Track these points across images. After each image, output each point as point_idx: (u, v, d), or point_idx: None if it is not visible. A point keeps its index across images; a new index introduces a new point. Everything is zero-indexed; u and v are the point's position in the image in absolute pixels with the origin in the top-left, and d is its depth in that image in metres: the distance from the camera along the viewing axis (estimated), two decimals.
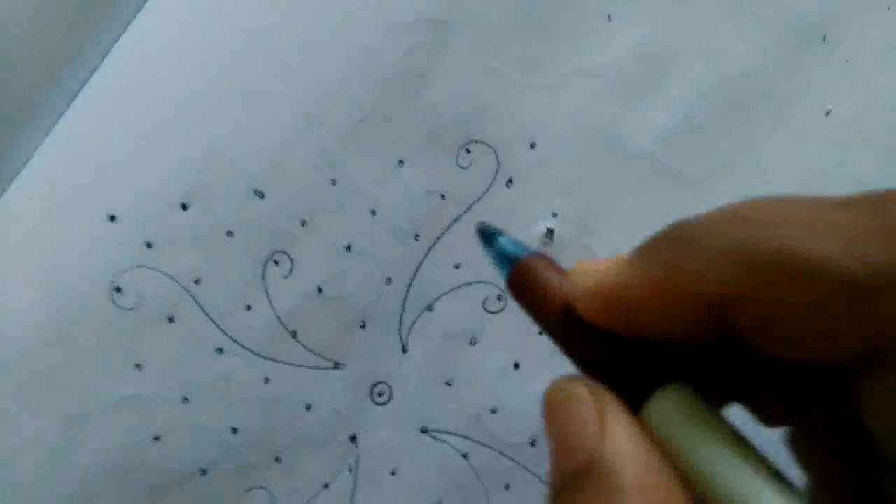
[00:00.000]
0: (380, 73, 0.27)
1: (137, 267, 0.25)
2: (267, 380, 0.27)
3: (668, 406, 0.16)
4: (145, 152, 0.25)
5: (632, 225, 0.30)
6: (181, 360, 0.26)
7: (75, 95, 0.25)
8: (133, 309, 0.25)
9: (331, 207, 0.27)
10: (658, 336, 0.17)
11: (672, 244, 0.17)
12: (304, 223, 0.27)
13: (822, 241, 0.15)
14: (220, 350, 0.27)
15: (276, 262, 0.27)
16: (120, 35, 0.26)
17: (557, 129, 0.29)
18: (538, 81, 0.28)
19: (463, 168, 0.28)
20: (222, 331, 0.27)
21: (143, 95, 0.25)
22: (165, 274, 0.26)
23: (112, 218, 0.25)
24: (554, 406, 0.17)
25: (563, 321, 0.18)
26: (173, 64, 0.25)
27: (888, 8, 0.32)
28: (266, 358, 0.27)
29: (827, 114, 0.32)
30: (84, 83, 0.25)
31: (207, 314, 0.26)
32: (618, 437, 0.16)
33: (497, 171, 0.28)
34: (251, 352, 0.27)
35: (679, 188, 0.30)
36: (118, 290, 0.25)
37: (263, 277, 0.27)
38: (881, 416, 0.14)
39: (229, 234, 0.26)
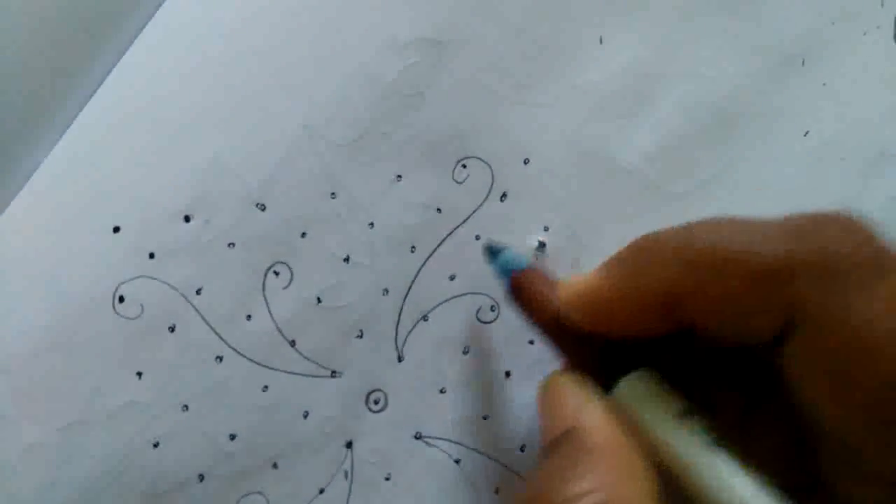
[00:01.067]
0: (379, 91, 0.27)
1: (140, 277, 0.26)
2: (265, 387, 0.28)
3: (634, 388, 0.20)
4: (149, 165, 0.26)
5: (620, 238, 0.30)
6: (182, 368, 0.27)
7: (80, 109, 0.26)
8: (135, 318, 0.26)
9: (330, 220, 0.28)
10: (626, 331, 0.21)
11: (633, 255, 0.21)
12: (303, 235, 0.27)
13: (745, 242, 0.18)
14: (220, 358, 0.27)
15: (276, 273, 0.27)
16: (125, 50, 0.26)
17: (550, 146, 0.30)
18: (532, 100, 0.29)
19: (458, 183, 0.29)
20: (222, 340, 0.27)
21: (147, 110, 0.26)
22: (167, 284, 0.26)
23: (116, 230, 0.26)
24: (545, 391, 0.22)
25: (552, 324, 0.23)
26: (177, 79, 0.26)
27: (864, 33, 0.33)
28: (265, 366, 0.28)
29: (805, 134, 0.33)
30: (89, 97, 0.26)
31: (208, 323, 0.27)
32: (592, 412, 0.20)
33: (491, 185, 0.29)
34: (251, 360, 0.27)
35: (665, 203, 0.31)
36: (121, 299, 0.26)
37: (263, 288, 0.27)
38: (799, 382, 0.17)
39: (230, 245, 0.27)
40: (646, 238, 0.21)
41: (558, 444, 0.19)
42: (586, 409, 0.20)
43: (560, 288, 0.23)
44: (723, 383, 0.22)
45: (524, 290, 0.24)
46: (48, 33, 0.26)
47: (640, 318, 0.20)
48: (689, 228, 0.20)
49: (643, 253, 0.21)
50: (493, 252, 0.27)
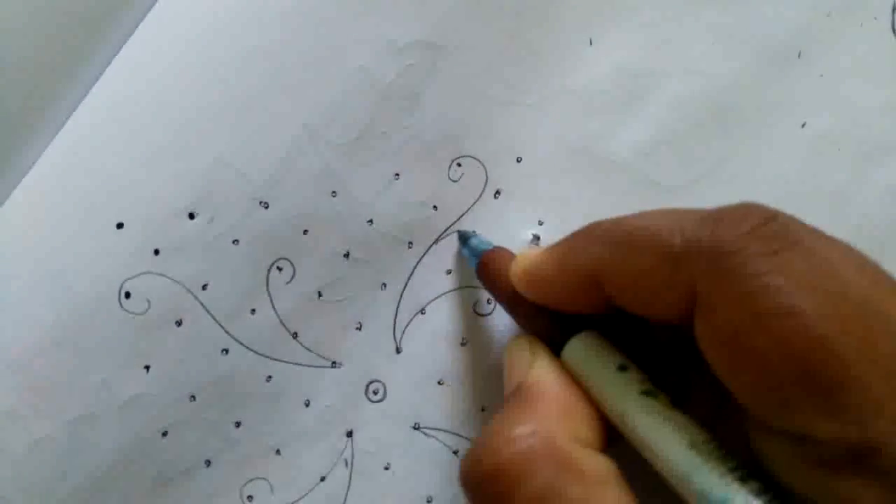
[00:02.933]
0: (377, 93, 0.28)
1: (146, 273, 0.27)
2: (269, 378, 0.29)
3: (578, 347, 0.22)
4: (151, 164, 0.27)
5: None
6: (188, 360, 0.28)
7: (75, 107, 0.27)
8: (142, 313, 0.27)
9: (330, 217, 0.28)
10: (565, 306, 0.23)
11: (575, 235, 0.23)
12: (305, 232, 0.28)
13: (659, 226, 0.20)
14: (226, 350, 0.28)
15: (279, 269, 0.28)
16: (121, 46, 0.27)
17: (542, 144, 0.30)
18: (524, 100, 0.30)
19: (454, 181, 0.30)
20: (227, 333, 0.28)
21: (149, 108, 0.27)
22: (173, 280, 0.27)
23: (120, 226, 0.27)
24: (506, 353, 0.24)
25: (510, 297, 0.25)
26: (178, 80, 0.27)
27: (861, 25, 0.33)
28: (268, 357, 0.29)
29: (803, 125, 0.33)
30: (84, 94, 0.27)
31: (213, 317, 0.28)
32: (538, 367, 0.22)
33: (485, 183, 0.30)
34: (254, 352, 0.28)
35: (658, 197, 0.32)
36: (128, 295, 0.27)
37: (267, 283, 0.28)
38: (707, 356, 0.19)
39: (235, 242, 0.28)
40: (592, 222, 0.23)
41: (512, 397, 0.22)
42: (533, 365, 0.22)
43: (513, 263, 0.25)
44: (669, 357, 0.23)
45: (487, 268, 0.26)
46: (49, 25, 0.27)
47: (573, 294, 0.22)
48: (626, 215, 0.22)
49: (581, 234, 0.23)
50: (463, 238, 0.29)
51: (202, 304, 0.28)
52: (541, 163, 0.30)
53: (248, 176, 0.27)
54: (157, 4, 0.27)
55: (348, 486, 0.29)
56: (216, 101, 0.27)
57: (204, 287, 0.28)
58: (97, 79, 0.27)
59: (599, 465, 0.19)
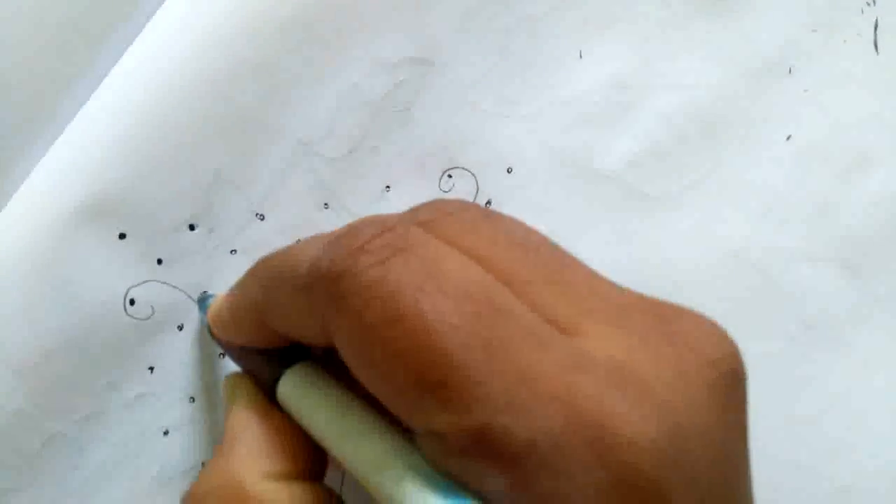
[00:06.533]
0: (369, 108, 0.29)
1: (150, 281, 0.28)
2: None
3: (288, 383, 0.22)
4: (152, 178, 0.27)
5: (602, 242, 0.32)
6: (189, 363, 0.29)
7: (75, 114, 0.28)
8: (146, 319, 0.28)
9: (324, 228, 0.30)
10: (248, 342, 0.23)
11: (245, 274, 0.24)
12: (299, 242, 0.30)
13: (296, 257, 0.20)
14: (224, 355, 0.29)
15: (210, 294, 0.29)
16: (117, 60, 0.28)
17: (532, 155, 0.31)
18: (514, 112, 0.31)
19: (445, 192, 0.31)
20: None
21: (148, 123, 0.27)
22: (176, 287, 0.29)
23: (122, 236, 0.28)
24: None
25: (219, 342, 0.26)
26: (174, 94, 0.28)
27: (845, 41, 0.34)
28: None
29: (788, 138, 0.34)
30: (82, 104, 0.28)
31: None
32: (237, 409, 0.23)
33: (476, 194, 0.31)
34: None
35: (647, 208, 0.33)
36: (132, 302, 0.28)
37: None
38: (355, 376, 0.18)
39: (233, 252, 0.29)
40: (262, 257, 0.23)
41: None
42: (231, 408, 0.23)
43: (209, 309, 0.26)
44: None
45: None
46: (47, 35, 0.27)
47: (250, 332, 0.23)
48: (286, 247, 0.23)
49: (249, 272, 0.23)
50: (199, 301, 0.29)
51: (203, 310, 0.29)
52: (531, 173, 0.31)
53: (244, 190, 0.29)
54: (157, 13, 0.28)
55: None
56: (213, 116, 0.28)
57: (204, 294, 0.29)
58: (94, 89, 0.28)
59: (290, 496, 0.20)
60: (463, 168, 0.31)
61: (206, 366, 0.29)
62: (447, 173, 0.31)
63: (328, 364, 0.22)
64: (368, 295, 0.17)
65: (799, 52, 0.34)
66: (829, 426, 0.34)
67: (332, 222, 0.30)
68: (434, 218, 0.20)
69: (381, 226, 0.18)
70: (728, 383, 0.17)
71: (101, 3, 0.28)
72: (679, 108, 0.32)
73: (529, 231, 0.21)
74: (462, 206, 0.21)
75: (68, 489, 0.28)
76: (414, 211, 0.21)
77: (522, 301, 0.17)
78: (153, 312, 0.28)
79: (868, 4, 0.34)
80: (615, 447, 0.15)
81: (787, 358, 0.34)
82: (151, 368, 0.29)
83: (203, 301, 0.29)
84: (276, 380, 0.22)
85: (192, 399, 0.29)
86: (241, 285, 0.24)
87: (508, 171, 0.31)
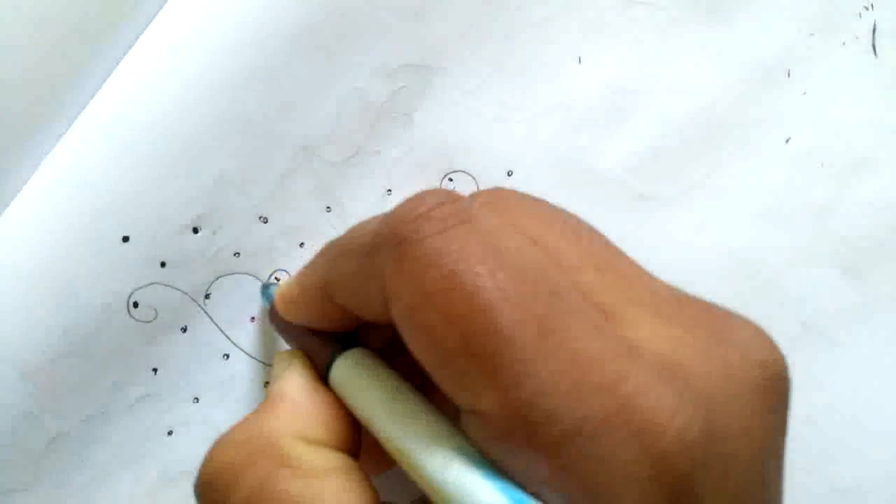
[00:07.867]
0: (371, 113, 0.30)
1: (153, 284, 0.29)
2: (267, 383, 0.30)
3: (342, 366, 0.22)
4: (155, 182, 0.28)
5: None
6: (193, 364, 0.30)
7: (76, 118, 0.28)
8: (150, 321, 0.29)
9: (325, 231, 0.30)
10: (317, 323, 0.24)
11: (314, 255, 0.24)
12: (301, 245, 0.30)
13: (362, 229, 0.20)
14: (227, 356, 0.30)
15: (276, 279, 0.30)
16: (116, 64, 0.28)
17: (532, 158, 0.32)
18: (514, 117, 0.31)
19: None
20: (229, 339, 0.30)
21: (152, 127, 0.28)
22: (179, 290, 0.29)
23: (125, 239, 0.28)
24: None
25: (278, 322, 0.26)
26: (178, 100, 0.28)
27: (843, 44, 0.34)
28: (267, 363, 0.30)
29: (787, 141, 0.34)
30: (83, 108, 0.28)
31: (216, 324, 0.30)
32: (289, 376, 0.23)
33: None
34: (254, 358, 0.30)
35: (646, 211, 0.33)
36: (136, 304, 0.28)
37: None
38: (406, 343, 0.18)
39: (236, 254, 0.29)
40: (327, 243, 0.24)
41: (269, 400, 0.22)
42: (286, 376, 0.23)
43: (276, 291, 0.26)
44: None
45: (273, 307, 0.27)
46: (49, 37, 0.28)
47: (317, 310, 0.23)
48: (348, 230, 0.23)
49: (318, 253, 0.24)
50: (263, 287, 0.30)
51: (206, 311, 0.29)
52: (531, 177, 0.32)
53: (248, 193, 0.29)
54: (159, 14, 0.28)
55: None
56: (216, 120, 0.28)
57: (207, 296, 0.29)
58: (97, 91, 0.28)
59: (323, 460, 0.19)
60: (463, 171, 0.31)
61: (209, 367, 0.30)
62: (448, 176, 0.31)
63: (382, 355, 0.22)
64: (428, 262, 0.17)
65: (797, 56, 0.34)
66: (829, 426, 0.34)
67: (333, 225, 0.30)
68: (493, 200, 0.20)
69: (447, 196, 0.18)
70: (774, 386, 0.17)
71: (101, 4, 0.28)
72: (678, 111, 0.33)
73: (581, 221, 0.21)
74: (519, 193, 0.22)
75: (73, 489, 0.29)
76: (474, 195, 0.21)
77: (573, 285, 0.17)
78: (157, 314, 0.29)
79: (866, 8, 0.35)
80: (660, 441, 0.15)
81: (786, 358, 0.34)
82: (155, 370, 0.29)
83: (266, 288, 0.29)
84: (330, 364, 0.23)
85: (196, 399, 0.30)
86: (312, 264, 0.24)
87: (509, 175, 0.31)
